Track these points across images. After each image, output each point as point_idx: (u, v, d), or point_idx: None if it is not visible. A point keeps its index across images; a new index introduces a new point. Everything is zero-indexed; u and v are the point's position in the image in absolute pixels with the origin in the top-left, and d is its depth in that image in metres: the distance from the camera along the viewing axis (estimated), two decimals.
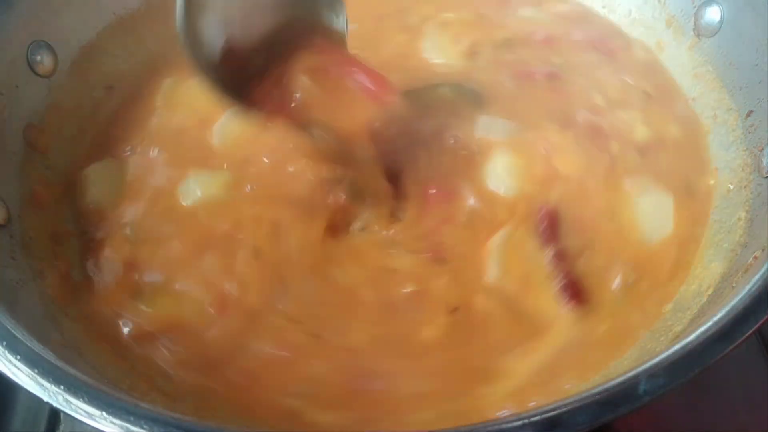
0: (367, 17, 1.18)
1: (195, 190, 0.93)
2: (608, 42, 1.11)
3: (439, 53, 1.10)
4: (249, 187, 0.94)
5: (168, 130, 1.03)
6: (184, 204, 0.93)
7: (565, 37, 1.10)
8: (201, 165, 0.97)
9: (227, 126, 1.00)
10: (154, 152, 1.00)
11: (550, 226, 0.88)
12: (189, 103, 1.05)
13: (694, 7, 1.06)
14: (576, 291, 0.84)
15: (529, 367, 0.78)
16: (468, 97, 1.01)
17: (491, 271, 0.86)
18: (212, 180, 0.94)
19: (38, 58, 1.00)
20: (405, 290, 0.85)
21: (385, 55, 1.11)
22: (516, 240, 0.88)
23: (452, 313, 0.83)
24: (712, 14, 1.02)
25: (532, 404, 0.69)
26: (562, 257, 0.86)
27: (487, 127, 0.96)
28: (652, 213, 0.90)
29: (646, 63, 1.08)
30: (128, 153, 1.01)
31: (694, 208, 0.91)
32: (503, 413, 0.73)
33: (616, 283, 0.84)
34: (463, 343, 0.81)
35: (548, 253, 0.87)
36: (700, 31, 1.05)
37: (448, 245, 0.89)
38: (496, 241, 0.88)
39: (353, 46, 1.03)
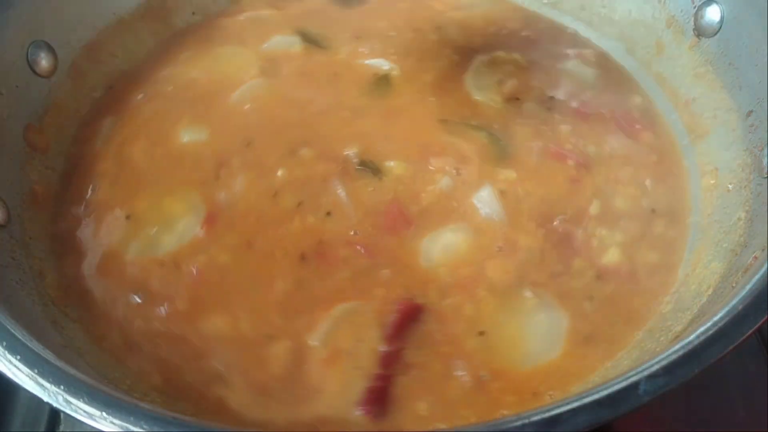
0: (405, 27, 1.20)
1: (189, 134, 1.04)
2: (632, 115, 1.07)
3: (480, 91, 1.09)
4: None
5: (183, 81, 1.13)
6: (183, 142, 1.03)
7: (596, 110, 1.06)
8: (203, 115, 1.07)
9: (250, 89, 1.10)
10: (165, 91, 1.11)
11: (402, 323, 0.82)
12: (209, 64, 1.15)
13: (694, 7, 1.06)
14: (378, 400, 0.77)
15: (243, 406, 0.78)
16: (496, 150, 1.00)
17: (315, 336, 0.82)
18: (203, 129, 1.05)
19: (38, 58, 1.00)
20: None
21: (429, 73, 1.11)
22: (360, 319, 0.84)
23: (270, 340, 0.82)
24: (712, 14, 1.02)
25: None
26: (392, 360, 0.80)
27: (483, 199, 0.93)
28: (539, 335, 0.83)
29: (662, 148, 1.04)
30: (141, 98, 1.10)
31: (588, 351, 0.82)
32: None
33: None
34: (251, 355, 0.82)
35: (381, 349, 0.81)
36: (700, 31, 1.05)
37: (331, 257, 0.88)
38: (339, 309, 0.84)
39: (391, 53, 1.14)
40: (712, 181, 0.96)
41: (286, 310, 0.85)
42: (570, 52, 1.17)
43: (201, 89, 1.11)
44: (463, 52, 1.15)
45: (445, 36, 1.19)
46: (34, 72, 1.00)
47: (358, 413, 0.77)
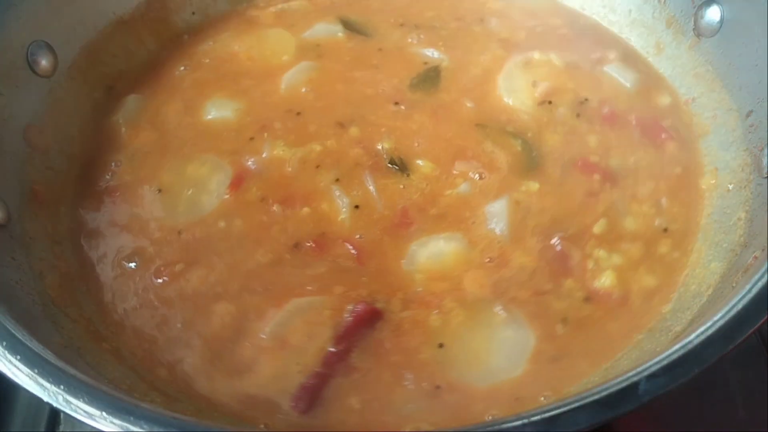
0: (448, 18, 1.21)
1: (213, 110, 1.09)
2: (659, 123, 1.03)
3: (513, 95, 1.07)
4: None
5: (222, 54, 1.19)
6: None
7: (624, 116, 1.03)
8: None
9: (300, 70, 1.14)
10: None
11: (354, 327, 0.81)
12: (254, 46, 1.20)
13: (694, 7, 1.06)
14: (311, 398, 0.77)
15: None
16: (528, 160, 0.98)
17: (270, 325, 0.83)
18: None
19: (38, 58, 1.00)
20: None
21: (476, 67, 1.12)
22: (315, 314, 0.83)
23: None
24: (712, 14, 1.02)
25: None
26: (337, 360, 0.79)
27: (494, 210, 0.92)
28: (502, 353, 0.80)
29: (686, 159, 1.00)
30: (183, 69, 1.16)
31: (551, 373, 0.80)
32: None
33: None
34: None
35: (330, 347, 0.80)
36: (700, 31, 1.05)
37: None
38: (296, 303, 0.84)
39: (439, 45, 1.15)
40: (712, 181, 0.96)
41: (249, 281, 0.87)
42: (607, 54, 1.14)
43: (240, 64, 1.15)
44: (508, 47, 1.15)
45: (488, 28, 1.19)
46: (34, 72, 1.00)
47: (289, 404, 0.77)
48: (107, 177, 1.01)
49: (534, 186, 0.95)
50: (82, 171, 1.02)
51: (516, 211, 0.92)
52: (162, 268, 0.89)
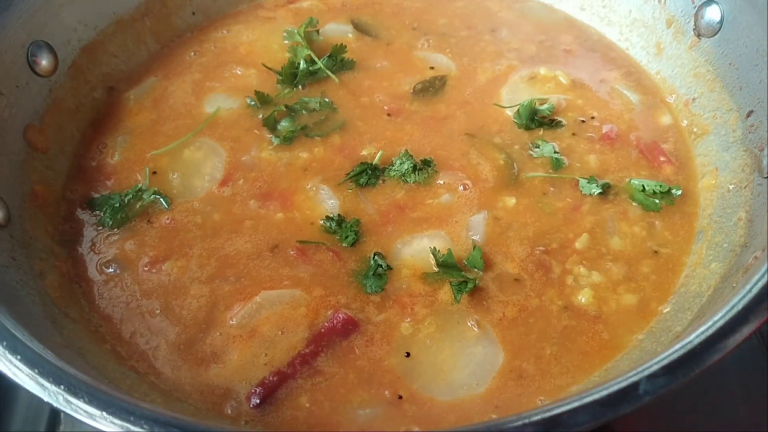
0: (460, 26, 1.23)
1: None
2: (659, 146, 1.02)
3: (513, 108, 1.07)
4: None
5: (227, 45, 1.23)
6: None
7: (625, 136, 1.03)
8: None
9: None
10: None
11: (331, 334, 0.82)
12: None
13: (694, 7, 1.06)
14: (267, 394, 0.78)
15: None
16: (508, 174, 0.98)
17: (243, 314, 0.84)
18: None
19: (38, 58, 1.00)
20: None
21: (483, 75, 1.13)
22: (289, 309, 0.84)
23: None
24: (712, 14, 1.02)
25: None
26: (303, 362, 0.80)
27: (471, 226, 0.92)
28: (469, 368, 0.80)
29: (683, 184, 0.98)
30: (193, 55, 1.20)
31: (515, 392, 0.79)
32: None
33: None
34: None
35: (300, 349, 0.81)
36: (700, 31, 1.05)
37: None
38: (272, 294, 0.85)
39: (447, 51, 1.17)
40: (712, 181, 0.96)
41: (225, 266, 0.89)
42: (613, 73, 1.14)
43: (242, 55, 1.18)
44: (516, 59, 1.15)
45: (498, 38, 1.20)
46: (34, 72, 1.00)
47: (245, 395, 0.78)
48: (99, 156, 1.04)
49: (510, 201, 0.95)
50: (77, 151, 1.05)
51: (495, 225, 0.93)
52: (149, 255, 0.91)
